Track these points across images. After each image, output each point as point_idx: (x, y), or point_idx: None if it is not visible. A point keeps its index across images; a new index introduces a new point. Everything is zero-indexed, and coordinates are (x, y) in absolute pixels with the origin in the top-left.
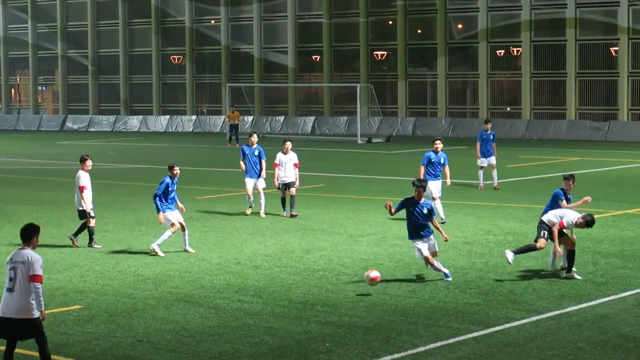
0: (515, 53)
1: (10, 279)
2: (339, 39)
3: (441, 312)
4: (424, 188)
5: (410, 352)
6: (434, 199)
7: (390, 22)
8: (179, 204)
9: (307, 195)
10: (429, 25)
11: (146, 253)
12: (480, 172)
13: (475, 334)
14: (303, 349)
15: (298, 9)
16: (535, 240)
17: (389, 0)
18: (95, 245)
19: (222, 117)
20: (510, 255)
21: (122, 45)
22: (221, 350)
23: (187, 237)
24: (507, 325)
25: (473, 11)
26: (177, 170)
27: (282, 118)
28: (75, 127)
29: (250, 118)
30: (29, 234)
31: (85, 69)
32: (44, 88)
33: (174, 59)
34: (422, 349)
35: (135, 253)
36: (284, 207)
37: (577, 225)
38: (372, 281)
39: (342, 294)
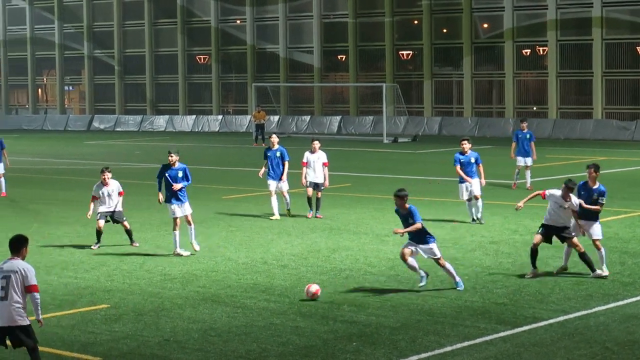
0: (541, 52)
1: (2, 288)
2: (364, 38)
3: (468, 311)
4: (400, 197)
5: (437, 351)
6: (476, 198)
7: (416, 22)
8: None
9: (333, 194)
10: (455, 25)
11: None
12: (516, 172)
13: (502, 334)
14: (330, 348)
15: (323, 8)
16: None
17: (414, 0)
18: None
19: (248, 117)
20: (531, 273)
21: (148, 45)
22: (248, 350)
23: (193, 232)
24: (534, 325)
25: (499, 10)
26: (172, 157)
27: (308, 118)
28: (102, 127)
29: (276, 118)
30: (18, 245)
31: (112, 69)
32: (70, 88)
33: (200, 58)
34: (448, 348)
35: (162, 252)
36: (310, 207)
37: (563, 196)
38: (314, 296)
39: (368, 294)
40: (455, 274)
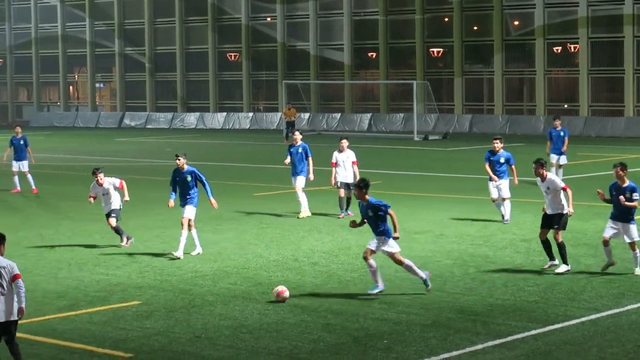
0: (572, 50)
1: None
2: (394, 35)
3: (499, 309)
4: (354, 188)
5: (468, 349)
6: (503, 199)
7: (446, 19)
8: (212, 200)
9: None
10: (485, 22)
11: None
12: (552, 170)
13: (533, 332)
14: (361, 345)
15: (354, 6)
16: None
17: None
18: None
19: (279, 114)
20: (563, 267)
21: (179, 42)
22: (279, 347)
23: (195, 236)
24: (566, 323)
25: (529, 8)
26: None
27: (338, 115)
28: (132, 124)
29: (307, 115)
30: None
31: (143, 66)
32: (101, 85)
33: (230, 56)
34: (480, 346)
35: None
36: (341, 208)
37: (536, 174)
38: (279, 296)
39: (399, 291)
40: (418, 271)
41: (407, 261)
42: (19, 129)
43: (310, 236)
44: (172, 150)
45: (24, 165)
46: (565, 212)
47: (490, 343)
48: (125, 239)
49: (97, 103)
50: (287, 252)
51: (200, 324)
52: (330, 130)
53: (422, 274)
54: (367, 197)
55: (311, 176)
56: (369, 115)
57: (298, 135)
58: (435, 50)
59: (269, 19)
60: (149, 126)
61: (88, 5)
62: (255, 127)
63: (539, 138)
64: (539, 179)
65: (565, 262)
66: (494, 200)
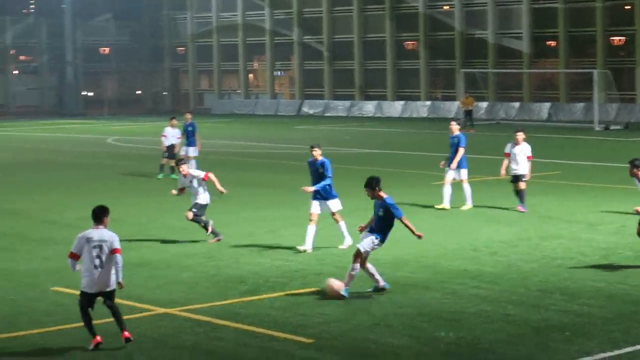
0: None
1: (98, 257)
2: (574, 24)
3: None
4: (366, 189)
5: None
6: None
7: (628, 7)
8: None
9: (542, 182)
10: None
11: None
12: None
13: None
14: (542, 337)
15: None
16: None
17: None
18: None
19: (456, 103)
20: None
21: (357, 31)
22: (459, 336)
23: (343, 228)
24: None
25: None
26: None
27: (517, 104)
28: (311, 112)
29: (485, 104)
30: (101, 215)
31: (321, 54)
32: (281, 73)
33: (408, 44)
34: None
35: None
36: (520, 200)
37: None
38: (332, 290)
39: (580, 283)
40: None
41: (369, 265)
42: (188, 116)
43: (488, 226)
44: (350, 139)
45: (192, 151)
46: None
47: None
48: (208, 230)
49: (275, 91)
50: (465, 242)
51: (380, 311)
52: (509, 120)
53: (381, 282)
54: (382, 195)
55: (453, 165)
56: (548, 104)
57: (455, 126)
58: (616, 38)
59: (446, 7)
60: (327, 114)
61: None
62: (433, 115)
63: None
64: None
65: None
66: None
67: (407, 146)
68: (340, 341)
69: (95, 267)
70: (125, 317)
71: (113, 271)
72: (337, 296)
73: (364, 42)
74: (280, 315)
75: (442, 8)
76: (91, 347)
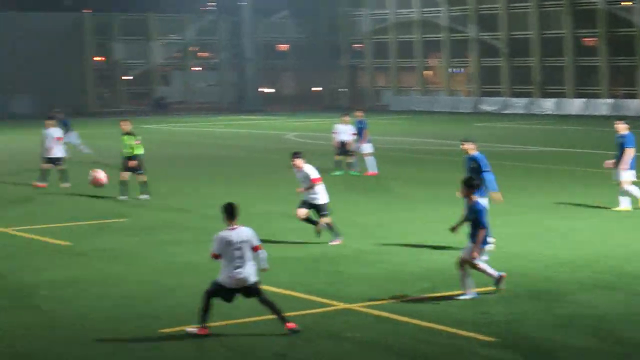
0: None
1: (240, 257)
2: None
3: None
4: (462, 185)
5: None
6: None
7: None
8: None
9: None
10: None
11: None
12: None
13: None
14: None
15: None
16: None
17: None
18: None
19: (636, 101)
20: None
21: (536, 27)
22: None
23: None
24: None
25: None
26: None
27: None
28: (489, 109)
29: None
30: (235, 213)
31: (497, 51)
32: (460, 70)
33: (587, 41)
34: None
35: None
36: None
37: None
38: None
39: None
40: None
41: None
42: (359, 113)
43: None
44: (527, 137)
45: (365, 148)
46: None
47: None
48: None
49: (452, 88)
50: None
51: (564, 312)
52: None
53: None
54: (474, 197)
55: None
56: None
57: (621, 125)
58: None
59: (627, 3)
60: (505, 111)
61: None
62: (615, 113)
63: None
64: None
65: None
66: None
67: (588, 144)
68: (525, 342)
69: (236, 267)
70: (306, 312)
71: (254, 266)
72: (95, 184)
73: (542, 38)
74: (460, 312)
75: (621, 4)
76: (196, 331)
